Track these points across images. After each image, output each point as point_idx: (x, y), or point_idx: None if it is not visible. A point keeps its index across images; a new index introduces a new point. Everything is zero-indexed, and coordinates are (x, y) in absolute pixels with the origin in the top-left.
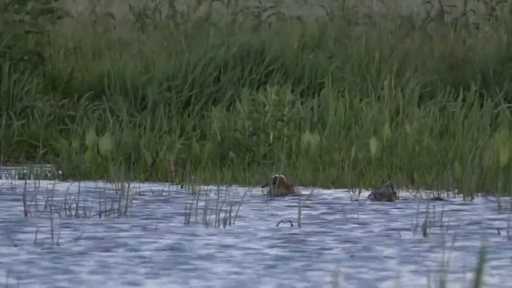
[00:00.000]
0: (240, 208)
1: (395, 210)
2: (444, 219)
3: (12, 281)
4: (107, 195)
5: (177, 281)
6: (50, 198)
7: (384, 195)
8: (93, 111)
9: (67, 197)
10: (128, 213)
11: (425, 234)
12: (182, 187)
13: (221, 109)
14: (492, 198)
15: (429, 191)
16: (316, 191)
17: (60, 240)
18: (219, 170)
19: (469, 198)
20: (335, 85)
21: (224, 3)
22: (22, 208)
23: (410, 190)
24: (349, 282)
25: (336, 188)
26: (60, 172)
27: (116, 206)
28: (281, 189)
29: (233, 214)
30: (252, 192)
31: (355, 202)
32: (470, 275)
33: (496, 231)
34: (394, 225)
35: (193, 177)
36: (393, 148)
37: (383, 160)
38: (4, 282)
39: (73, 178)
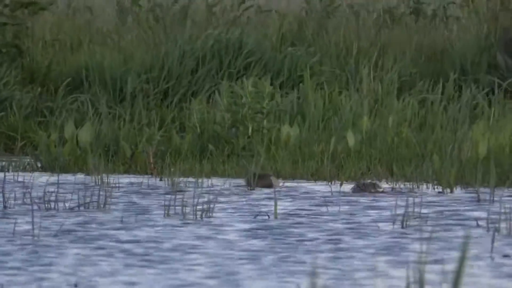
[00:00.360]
0: (219, 200)
1: (375, 202)
2: (423, 210)
3: None
4: (86, 187)
5: (156, 273)
6: (29, 191)
7: (367, 187)
8: (72, 103)
9: (46, 190)
10: (107, 206)
11: (403, 226)
12: (161, 180)
13: (200, 101)
14: (471, 190)
15: (408, 183)
16: (294, 183)
17: (39, 232)
18: (199, 162)
19: (448, 190)
20: (314, 78)
21: None
22: (1, 200)
23: (389, 182)
24: (327, 273)
25: (315, 180)
26: (39, 164)
27: (95, 198)
28: (260, 182)
29: (211, 206)
30: (231, 184)
31: (334, 194)
32: (448, 267)
33: (475, 223)
34: (373, 216)
35: (172, 169)
36: (372, 140)
37: (362, 152)
38: None
39: (52, 171)
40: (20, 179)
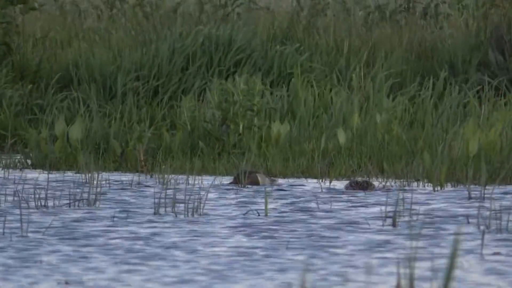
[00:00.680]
0: (209, 198)
1: (366, 199)
2: (414, 208)
3: None
4: (76, 185)
5: (146, 270)
6: (20, 188)
7: (360, 185)
8: (62, 100)
9: (36, 187)
10: (97, 203)
11: (394, 223)
12: (151, 177)
13: (190, 99)
14: (462, 187)
15: (399, 181)
16: (285, 180)
17: (29, 229)
18: (189, 160)
19: (439, 187)
20: (304, 75)
21: None
22: None
23: (379, 180)
24: (317, 271)
25: (306, 177)
26: (29, 162)
27: (85, 196)
28: (249, 180)
29: (202, 204)
30: (222, 182)
31: (325, 191)
32: (439, 264)
33: (465, 220)
34: (363, 214)
35: (163, 167)
36: (363, 137)
37: (353, 149)
38: None
39: (42, 168)
40: (10, 176)
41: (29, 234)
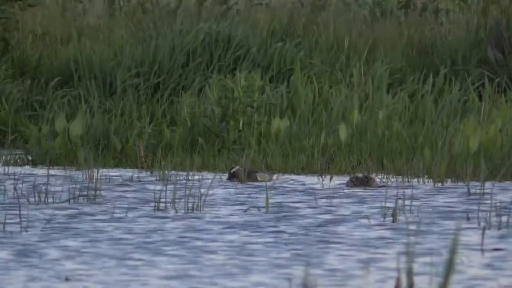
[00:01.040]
0: (209, 194)
1: (366, 195)
2: (413, 204)
3: None
4: (76, 181)
5: (146, 265)
6: (20, 184)
7: (362, 181)
8: (62, 97)
9: (37, 183)
10: (97, 199)
11: (394, 219)
12: (151, 173)
13: (191, 95)
14: (462, 184)
15: (399, 177)
16: (284, 176)
17: (29, 225)
18: (189, 156)
19: (439, 184)
20: (304, 72)
21: None
22: None
23: (380, 176)
24: (318, 266)
25: (306, 174)
26: (29, 158)
27: (85, 192)
28: (242, 177)
29: (202, 200)
30: (222, 178)
31: (324, 187)
32: (439, 259)
33: (465, 216)
34: (363, 209)
35: (163, 163)
36: (363, 134)
37: (353, 146)
38: None
39: (42, 164)
40: (11, 172)
41: (29, 230)
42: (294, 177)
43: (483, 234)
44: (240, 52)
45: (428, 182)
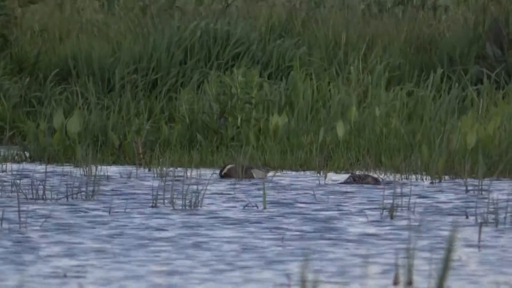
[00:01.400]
0: (207, 190)
1: (364, 191)
2: (412, 200)
3: None
4: (74, 177)
5: (144, 262)
6: (18, 181)
7: (362, 178)
8: (60, 93)
9: (34, 179)
10: (95, 196)
11: (392, 215)
12: (149, 170)
13: (189, 92)
14: (460, 181)
15: (397, 174)
16: (281, 173)
17: (27, 222)
18: (187, 153)
19: (437, 180)
20: (302, 68)
21: None
22: None
23: (377, 173)
24: (316, 263)
25: (304, 170)
26: (27, 154)
27: (83, 188)
28: (234, 175)
29: (200, 196)
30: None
31: (322, 184)
32: (436, 255)
33: (463, 213)
34: (361, 206)
35: (161, 159)
36: (361, 131)
37: (351, 142)
38: None
39: (40, 160)
40: (8, 169)
41: (27, 227)
42: (292, 173)
43: (480, 231)
44: (239, 49)
45: (426, 179)
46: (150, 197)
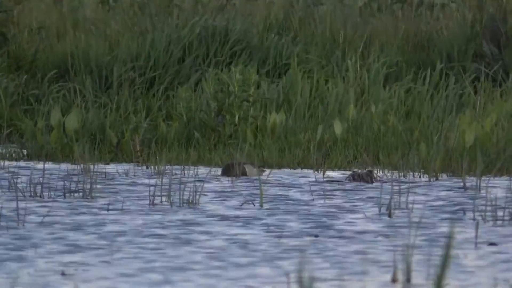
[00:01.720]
0: (205, 188)
1: (361, 189)
2: (410, 199)
3: None
4: (72, 175)
5: (142, 260)
6: (15, 179)
7: (363, 177)
8: (58, 91)
9: (32, 178)
10: (93, 194)
11: (390, 213)
12: (147, 168)
13: (187, 90)
14: (458, 178)
15: (395, 172)
16: (277, 171)
17: (25, 220)
18: (185, 151)
19: (435, 178)
20: (300, 66)
21: None
22: None
23: (376, 171)
24: (314, 260)
25: (302, 168)
26: (25, 152)
27: (81, 186)
28: (229, 172)
29: (198, 194)
30: (217, 173)
31: (320, 182)
32: (435, 254)
33: (461, 211)
34: (359, 204)
35: (158, 157)
36: (359, 128)
37: (349, 140)
38: None
39: (38, 159)
40: (6, 167)
41: (25, 225)
42: (290, 171)
43: (477, 229)
44: (237, 47)
45: (423, 176)
46: (147, 194)
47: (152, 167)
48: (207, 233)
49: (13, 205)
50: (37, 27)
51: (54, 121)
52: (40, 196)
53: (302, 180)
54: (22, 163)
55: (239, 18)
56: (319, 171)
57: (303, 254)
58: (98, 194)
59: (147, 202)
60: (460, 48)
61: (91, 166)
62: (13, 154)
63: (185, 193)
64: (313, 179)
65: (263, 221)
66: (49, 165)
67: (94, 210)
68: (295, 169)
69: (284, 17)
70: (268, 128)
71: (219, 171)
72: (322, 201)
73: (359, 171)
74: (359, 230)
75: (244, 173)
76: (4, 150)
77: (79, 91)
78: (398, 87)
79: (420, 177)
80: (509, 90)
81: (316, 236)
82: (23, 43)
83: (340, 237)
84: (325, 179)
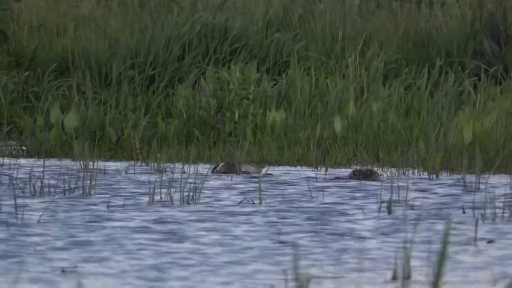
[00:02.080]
0: (205, 186)
1: (361, 187)
2: (409, 196)
3: None
4: (71, 172)
5: (141, 257)
6: (15, 176)
7: (364, 174)
8: (58, 88)
9: (32, 175)
10: (92, 191)
11: (389, 211)
12: (147, 165)
13: (186, 87)
14: (457, 176)
15: (394, 169)
16: (280, 168)
17: (24, 217)
18: (185, 148)
19: (434, 176)
20: (300, 63)
21: None
22: None
23: (377, 168)
24: (312, 258)
25: (301, 166)
26: (24, 149)
27: (80, 183)
28: (225, 168)
29: (197, 192)
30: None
31: (320, 179)
32: (434, 251)
33: (460, 208)
34: (359, 202)
35: (158, 155)
36: (358, 126)
37: (348, 138)
38: None
39: (37, 156)
40: (5, 164)
41: (24, 222)
42: (289, 169)
43: (476, 226)
44: (237, 44)
45: (423, 174)
46: (147, 191)
47: (152, 164)
48: (207, 230)
49: (13, 202)
50: (37, 24)
51: (53, 118)
52: (40, 193)
53: (302, 177)
54: (21, 160)
55: (239, 15)
56: (319, 169)
57: (302, 251)
58: (97, 191)
59: (147, 199)
60: (460, 46)
61: (91, 163)
62: (13, 152)
63: (185, 190)
64: (313, 176)
65: (262, 219)
66: (48, 162)
67: (94, 207)
68: (294, 166)
69: (283, 14)
70: (268, 125)
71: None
72: (321, 198)
73: (360, 168)
74: (358, 227)
75: (241, 172)
76: (4, 147)
77: (79, 88)
78: (398, 84)
79: (419, 174)
80: (509, 88)
81: (317, 233)
82: (23, 40)
83: (339, 234)
84: (325, 176)
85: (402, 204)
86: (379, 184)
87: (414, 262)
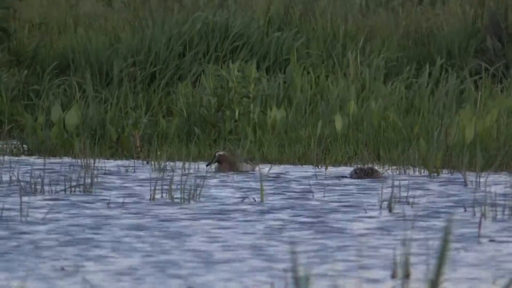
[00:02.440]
0: (205, 183)
1: (362, 185)
2: (410, 194)
3: None
4: (72, 170)
5: (142, 254)
6: (16, 174)
7: (365, 172)
8: (59, 86)
9: (33, 173)
10: (93, 189)
11: (390, 209)
12: (147, 163)
13: (187, 85)
14: (458, 174)
15: (395, 167)
16: (280, 167)
17: (25, 215)
18: (185, 146)
19: (435, 174)
20: (300, 62)
21: None
22: None
23: (377, 166)
24: (313, 256)
25: (302, 164)
26: (25, 147)
27: (81, 181)
28: (224, 165)
29: (198, 189)
30: (213, 168)
31: (321, 177)
32: (434, 250)
33: (461, 206)
34: (360, 200)
35: (159, 153)
36: (359, 124)
37: (349, 136)
38: None
39: (39, 154)
40: (7, 162)
41: (25, 220)
42: (290, 167)
43: (480, 224)
44: (238, 42)
45: (424, 172)
46: (148, 190)
47: (153, 162)
48: (208, 227)
49: (14, 200)
50: (38, 22)
51: (54, 116)
52: (41, 191)
53: (303, 175)
54: (23, 158)
55: (239, 13)
56: (319, 167)
57: (302, 249)
58: (98, 189)
59: (148, 197)
60: (461, 44)
61: (92, 161)
62: (14, 150)
63: (186, 188)
64: (314, 174)
65: (264, 216)
66: (49, 160)
67: (95, 205)
68: (295, 164)
69: (284, 12)
70: (269, 123)
71: (213, 167)
72: (321, 196)
73: (361, 166)
74: (359, 225)
75: (236, 169)
76: (5, 146)
77: (80, 87)
78: (399, 82)
79: (420, 172)
80: (510, 86)
81: (317, 230)
82: (24, 38)
83: (340, 232)
84: (326, 174)
85: (402, 202)
86: (380, 182)
87: (413, 260)
